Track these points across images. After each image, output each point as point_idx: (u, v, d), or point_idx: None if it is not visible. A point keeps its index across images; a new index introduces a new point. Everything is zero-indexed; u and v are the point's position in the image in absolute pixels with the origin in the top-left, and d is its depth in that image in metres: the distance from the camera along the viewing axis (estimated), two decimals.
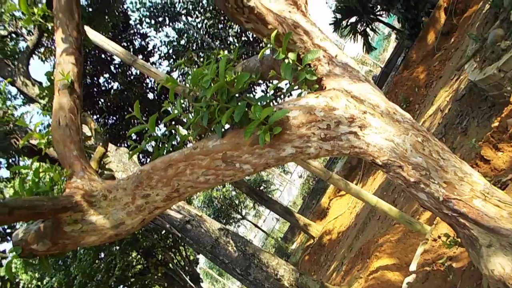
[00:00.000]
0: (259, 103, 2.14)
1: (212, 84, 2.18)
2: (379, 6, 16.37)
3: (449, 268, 3.57)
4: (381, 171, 2.31)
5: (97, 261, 10.15)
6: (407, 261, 5.19)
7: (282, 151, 2.18)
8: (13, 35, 7.61)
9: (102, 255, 10.48)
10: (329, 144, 2.19)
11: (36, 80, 6.75)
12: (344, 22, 16.95)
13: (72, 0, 2.84)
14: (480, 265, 2.21)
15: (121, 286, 11.66)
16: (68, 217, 2.44)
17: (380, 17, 17.00)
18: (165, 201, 2.45)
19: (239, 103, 2.13)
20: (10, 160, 7.87)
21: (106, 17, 9.34)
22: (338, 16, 16.77)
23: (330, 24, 17.17)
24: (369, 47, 17.91)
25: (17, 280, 8.21)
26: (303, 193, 29.83)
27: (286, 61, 2.34)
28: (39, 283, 10.03)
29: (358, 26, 16.96)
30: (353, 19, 16.78)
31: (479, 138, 5.28)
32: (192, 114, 2.49)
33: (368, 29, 17.26)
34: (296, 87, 2.56)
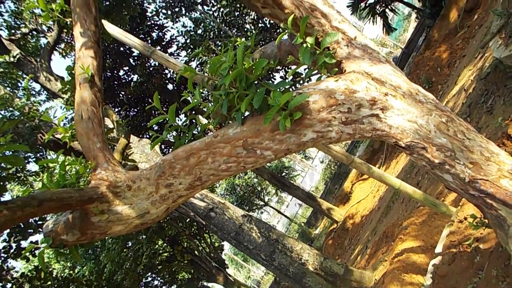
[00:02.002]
0: (278, 89, 2.13)
1: (230, 72, 2.17)
2: None
3: (476, 250, 3.51)
4: (404, 153, 2.27)
5: (125, 250, 10.42)
6: (432, 243, 5.14)
7: (303, 136, 2.17)
8: (34, 32, 7.76)
9: (130, 244, 10.75)
10: (350, 128, 2.17)
11: (58, 75, 6.89)
12: (362, 4, 16.58)
13: None
14: (509, 245, 2.16)
15: (149, 273, 11.95)
16: (95, 208, 2.50)
17: None
18: (188, 189, 2.48)
19: (258, 90, 2.12)
20: (38, 155, 8.09)
21: (123, 9, 9.40)
22: None
23: (347, 6, 16.83)
24: (388, 28, 17.50)
25: (50, 270, 8.50)
26: (325, 178, 29.71)
27: (304, 45, 2.31)
28: (71, 271, 10.37)
29: (377, 7, 16.57)
30: (371, 0, 16.40)
31: (505, 116, 5.13)
32: (212, 102, 2.50)
33: (387, 10, 16.84)
34: (315, 71, 2.53)
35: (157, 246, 11.93)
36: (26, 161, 7.70)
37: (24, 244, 5.65)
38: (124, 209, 2.56)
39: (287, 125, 2.02)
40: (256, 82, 2.22)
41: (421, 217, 6.12)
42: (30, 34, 7.64)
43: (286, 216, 32.71)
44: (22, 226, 5.66)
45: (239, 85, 2.17)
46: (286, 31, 2.40)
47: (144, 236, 10.61)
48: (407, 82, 2.31)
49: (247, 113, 2.29)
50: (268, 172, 14.38)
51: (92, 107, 2.80)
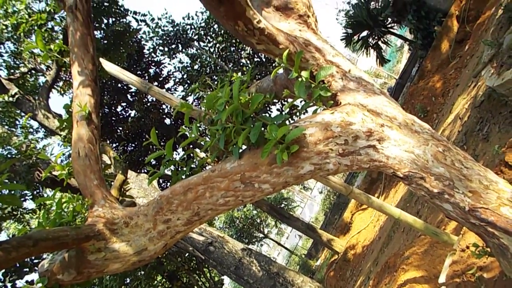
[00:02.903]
0: (274, 123, 2.14)
1: (226, 107, 2.20)
2: (389, 19, 16.35)
3: (480, 279, 3.45)
4: (402, 183, 2.27)
5: (123, 287, 10.17)
6: (435, 273, 5.04)
7: (300, 168, 2.17)
8: (33, 71, 7.87)
9: (128, 280, 10.51)
10: (347, 159, 2.17)
11: (56, 113, 6.94)
12: (355, 37, 16.96)
13: (87, 34, 2.93)
14: None
15: None
16: (92, 246, 2.46)
17: (391, 29, 16.96)
18: (186, 225, 2.45)
19: (255, 124, 2.13)
20: (35, 192, 8.04)
21: (121, 48, 9.59)
22: (349, 31, 16.80)
23: (341, 39, 17.21)
24: (382, 60, 17.84)
25: None
26: (324, 209, 29.51)
27: (300, 79, 2.34)
28: None
29: (370, 39, 16.94)
30: (364, 33, 16.77)
31: (501, 144, 5.16)
32: (209, 137, 2.51)
33: (380, 42, 17.21)
34: (311, 104, 2.56)
35: (155, 282, 11.67)
36: (23, 198, 7.64)
37: (19, 283, 5.51)
38: (122, 246, 2.52)
39: (284, 158, 2.03)
40: (252, 116, 2.24)
41: (423, 247, 6.03)
42: (29, 73, 7.75)
43: (286, 248, 32.25)
44: (18, 265, 5.56)
45: (235, 120, 2.18)
46: (281, 66, 2.44)
47: (142, 272, 10.39)
48: (403, 113, 2.34)
49: (244, 147, 2.30)
50: (267, 204, 14.28)
51: (89, 144, 2.80)
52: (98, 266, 2.52)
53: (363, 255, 12.06)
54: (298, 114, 2.78)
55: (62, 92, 9.00)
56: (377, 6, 16.78)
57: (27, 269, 5.73)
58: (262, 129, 2.13)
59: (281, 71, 3.11)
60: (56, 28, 6.07)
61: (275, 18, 2.72)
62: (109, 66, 4.75)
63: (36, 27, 5.28)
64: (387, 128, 2.18)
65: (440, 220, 6.28)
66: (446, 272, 3.95)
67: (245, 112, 2.18)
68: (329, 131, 2.14)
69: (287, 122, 2.30)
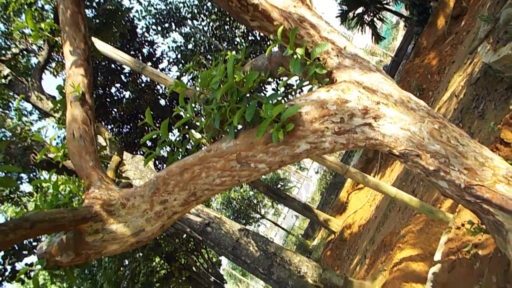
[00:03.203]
0: (270, 101, 2.12)
1: (221, 85, 2.17)
2: None
3: (475, 256, 3.49)
4: (398, 161, 2.27)
5: (122, 269, 10.28)
6: (431, 250, 5.11)
7: (296, 147, 2.16)
8: (25, 52, 7.75)
9: (126, 262, 10.61)
10: (343, 138, 2.16)
11: (50, 95, 6.87)
12: (350, 14, 16.79)
13: (78, 13, 2.86)
14: (507, 251, 2.15)
15: None
16: (89, 227, 2.46)
17: (387, 6, 16.78)
18: (183, 205, 2.45)
19: (250, 103, 2.11)
20: (31, 175, 8.01)
21: (113, 27, 9.43)
22: (344, 8, 16.62)
23: (336, 16, 17.03)
24: (377, 37, 17.71)
25: None
26: (320, 189, 29.71)
27: (295, 56, 2.31)
28: None
29: (365, 16, 16.78)
30: (359, 10, 16.60)
31: (497, 121, 5.16)
32: (204, 117, 2.48)
33: (375, 19, 17.05)
34: (307, 82, 2.53)
35: (154, 263, 11.80)
36: (19, 181, 7.62)
37: (19, 266, 5.55)
38: (119, 227, 2.52)
39: (280, 137, 2.01)
40: (247, 95, 2.21)
41: (419, 225, 6.10)
42: (21, 54, 7.62)
43: (283, 229, 32.57)
44: (17, 247, 5.58)
45: (230, 99, 2.16)
46: (276, 43, 2.41)
47: (141, 254, 10.49)
48: (399, 90, 2.32)
49: (240, 127, 2.28)
50: (263, 185, 14.34)
51: (84, 125, 2.78)
52: (96, 247, 2.53)
53: (359, 234, 12.21)
54: (293, 92, 2.76)
55: (55, 73, 8.90)
56: None
57: (26, 252, 5.76)
58: (257, 108, 2.11)
59: (275, 48, 3.07)
60: (46, 7, 5.96)
61: None
62: (101, 46, 4.67)
63: (26, 6, 5.17)
64: (383, 105, 2.17)
65: (435, 199, 6.34)
66: (442, 250, 4.00)
67: (240, 91, 2.16)
68: (325, 109, 2.12)
69: (282, 100, 2.28)
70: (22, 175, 7.94)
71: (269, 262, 6.15)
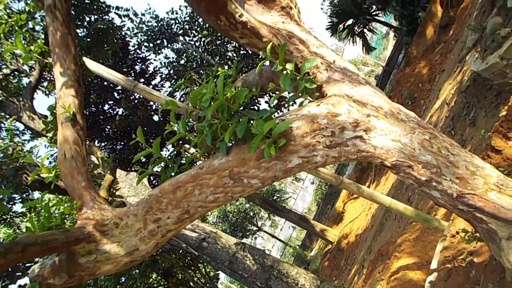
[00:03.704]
0: (261, 117, 2.13)
1: (212, 103, 2.18)
2: (374, 6, 16.37)
3: (471, 264, 3.49)
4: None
5: (118, 287, 10.14)
6: (427, 259, 5.10)
7: (288, 162, 2.16)
8: (16, 73, 7.74)
9: (123, 279, 10.48)
10: (335, 151, 2.17)
11: (42, 114, 6.85)
12: (340, 26, 16.96)
13: (68, 34, 2.87)
14: (502, 258, 2.16)
15: None
16: (82, 249, 2.44)
17: (376, 17, 16.98)
18: (176, 223, 2.44)
19: (241, 119, 2.12)
20: (24, 195, 7.93)
21: (105, 45, 9.46)
22: (334, 20, 16.79)
23: (326, 28, 17.19)
24: (368, 48, 17.89)
25: None
26: (316, 199, 29.66)
27: (284, 72, 2.33)
28: None
29: (355, 28, 16.96)
30: (349, 22, 16.77)
31: (488, 128, 5.21)
32: (197, 133, 2.49)
33: (365, 30, 17.25)
34: (298, 96, 2.55)
35: (151, 280, 11.66)
36: (12, 202, 7.54)
37: None
38: (112, 247, 2.50)
39: (271, 152, 2.02)
40: (238, 111, 2.22)
41: (414, 233, 6.10)
42: (12, 74, 7.61)
43: (280, 240, 32.39)
44: (10, 269, 5.51)
45: (221, 116, 2.17)
46: (266, 59, 2.43)
47: (137, 271, 10.36)
48: (388, 102, 2.34)
49: (231, 143, 2.29)
50: (259, 197, 14.30)
51: (75, 145, 2.77)
52: (90, 268, 2.50)
53: (356, 244, 12.17)
54: (286, 106, 2.77)
55: (47, 92, 8.88)
56: None
57: (20, 274, 5.69)
58: (249, 124, 2.12)
59: (267, 63, 3.09)
60: (37, 28, 5.97)
61: (257, 11, 2.70)
62: (92, 65, 4.68)
63: (16, 28, 5.18)
64: (373, 118, 2.18)
65: (430, 206, 6.34)
66: (438, 258, 4.00)
67: (231, 108, 2.17)
68: (316, 124, 2.13)
69: (273, 116, 2.29)
70: (15, 195, 7.87)
71: (266, 276, 6.11)
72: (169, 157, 2.70)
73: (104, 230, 2.51)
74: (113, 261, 2.53)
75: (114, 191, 3.58)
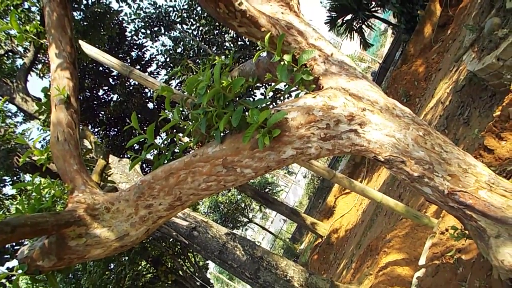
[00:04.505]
0: (256, 107, 2.12)
1: (208, 91, 2.16)
2: (373, 2, 16.34)
3: (459, 261, 3.53)
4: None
5: (107, 273, 10.16)
6: (416, 255, 5.16)
7: (282, 153, 2.16)
8: (10, 54, 7.65)
9: (112, 266, 10.49)
10: (329, 144, 2.17)
11: (35, 97, 6.78)
12: (339, 20, 16.91)
13: (64, 15, 2.84)
14: (490, 256, 2.18)
15: None
16: (72, 232, 2.43)
17: (375, 13, 16.95)
18: (168, 210, 2.44)
19: (236, 108, 2.11)
20: (15, 177, 7.88)
21: (102, 30, 9.36)
22: (333, 14, 16.73)
23: (325, 23, 17.14)
24: (366, 44, 17.88)
25: None
26: (308, 193, 29.77)
27: (282, 63, 2.32)
28: None
29: (354, 23, 16.92)
30: (348, 17, 16.73)
31: (481, 128, 5.24)
32: (191, 121, 2.48)
33: (364, 26, 17.21)
34: (294, 88, 2.54)
35: (140, 267, 11.68)
36: (2, 184, 7.50)
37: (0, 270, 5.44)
38: (103, 232, 2.49)
39: (266, 142, 2.02)
40: (234, 100, 2.21)
41: (404, 230, 6.15)
42: (6, 55, 7.52)
43: (270, 232, 32.56)
44: None
45: (217, 104, 2.16)
46: (264, 49, 2.41)
47: (126, 258, 10.38)
48: (384, 97, 2.34)
49: (226, 132, 2.28)
50: (251, 189, 14.33)
51: (69, 128, 2.74)
52: (79, 252, 2.50)
53: (346, 239, 12.26)
54: (281, 98, 2.76)
55: (41, 75, 8.78)
56: None
57: (8, 256, 5.66)
58: (244, 113, 2.11)
59: (263, 54, 3.08)
60: (33, 8, 5.89)
61: (257, 0, 2.68)
62: (89, 49, 4.63)
63: (12, 7, 5.11)
64: (368, 112, 2.19)
65: (421, 204, 6.40)
66: (426, 255, 4.03)
67: (227, 96, 2.16)
68: (311, 115, 2.13)
69: (269, 106, 2.28)
70: (5, 177, 7.82)
71: (255, 266, 6.14)
72: (162, 144, 2.69)
73: (95, 214, 2.50)
74: (103, 245, 2.52)
75: (106, 176, 3.57)
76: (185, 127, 2.53)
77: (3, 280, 2.68)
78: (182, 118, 2.55)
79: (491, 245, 2.16)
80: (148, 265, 12.32)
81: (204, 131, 2.23)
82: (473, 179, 2.11)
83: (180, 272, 12.84)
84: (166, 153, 2.61)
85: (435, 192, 2.16)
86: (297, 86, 2.41)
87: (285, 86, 2.58)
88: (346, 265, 9.55)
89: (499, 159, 3.85)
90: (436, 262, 3.77)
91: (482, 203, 2.08)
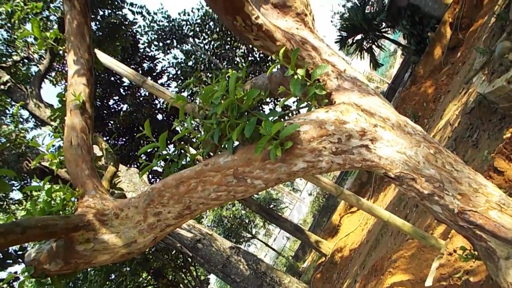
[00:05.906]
0: (269, 119, 2.15)
1: (222, 101, 2.20)
2: (384, 23, 16.48)
3: (467, 283, 3.49)
4: (392, 186, 2.29)
5: (107, 283, 10.10)
6: (422, 276, 5.09)
7: (293, 165, 2.18)
8: (26, 61, 7.80)
9: (113, 276, 10.44)
10: (340, 158, 2.18)
11: (48, 103, 6.88)
12: (349, 40, 17.06)
13: (84, 24, 2.91)
14: (499, 278, 2.16)
15: None
16: (80, 236, 2.44)
17: (385, 34, 17.09)
18: (176, 218, 2.45)
19: (250, 119, 2.14)
20: (23, 183, 7.94)
21: (116, 40, 9.52)
22: (344, 34, 16.89)
23: (335, 42, 17.28)
24: (375, 64, 17.97)
25: None
26: (313, 211, 29.57)
27: (295, 77, 2.35)
28: None
29: (364, 43, 17.05)
30: (358, 37, 16.88)
31: (490, 150, 5.22)
32: (202, 132, 2.50)
33: (374, 46, 17.34)
34: (305, 104, 2.57)
35: (141, 279, 11.62)
36: (10, 189, 7.55)
37: (2, 275, 5.44)
38: (111, 237, 2.50)
39: (278, 154, 2.03)
40: (247, 111, 2.24)
41: (410, 250, 6.08)
42: (21, 62, 7.67)
43: (273, 249, 32.27)
44: (1, 256, 5.49)
45: (230, 114, 2.18)
46: (278, 63, 2.45)
47: (128, 268, 10.33)
48: (396, 114, 2.36)
49: (238, 143, 2.30)
50: (256, 204, 14.29)
51: (82, 133, 2.78)
52: (86, 257, 2.51)
53: (350, 258, 12.12)
54: (291, 114, 2.79)
55: (55, 82, 8.93)
56: (372, 10, 16.90)
57: (11, 261, 5.67)
58: (257, 125, 2.14)
59: (275, 69, 3.12)
60: (51, 17, 6.03)
61: (272, 15, 2.73)
62: (103, 57, 4.71)
63: (31, 15, 5.23)
64: (380, 128, 2.20)
65: (428, 225, 6.33)
66: (433, 276, 3.99)
67: (241, 107, 2.18)
68: (323, 129, 2.15)
69: (281, 119, 2.30)
70: (13, 182, 7.87)
71: (259, 282, 6.10)
72: (173, 154, 2.71)
73: (104, 220, 2.51)
74: (110, 251, 2.53)
75: (116, 183, 3.60)
76: (194, 139, 2.55)
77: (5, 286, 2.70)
78: (192, 129, 2.58)
79: (501, 267, 2.14)
80: (149, 277, 12.25)
81: (216, 141, 2.25)
82: (483, 199, 2.11)
83: (181, 286, 12.75)
84: (177, 162, 2.63)
85: (445, 211, 2.16)
86: (309, 100, 2.44)
87: (294, 102, 2.61)
88: (350, 285, 9.43)
89: (509, 181, 3.83)
90: (444, 284, 3.73)
91: (493, 223, 2.07)
